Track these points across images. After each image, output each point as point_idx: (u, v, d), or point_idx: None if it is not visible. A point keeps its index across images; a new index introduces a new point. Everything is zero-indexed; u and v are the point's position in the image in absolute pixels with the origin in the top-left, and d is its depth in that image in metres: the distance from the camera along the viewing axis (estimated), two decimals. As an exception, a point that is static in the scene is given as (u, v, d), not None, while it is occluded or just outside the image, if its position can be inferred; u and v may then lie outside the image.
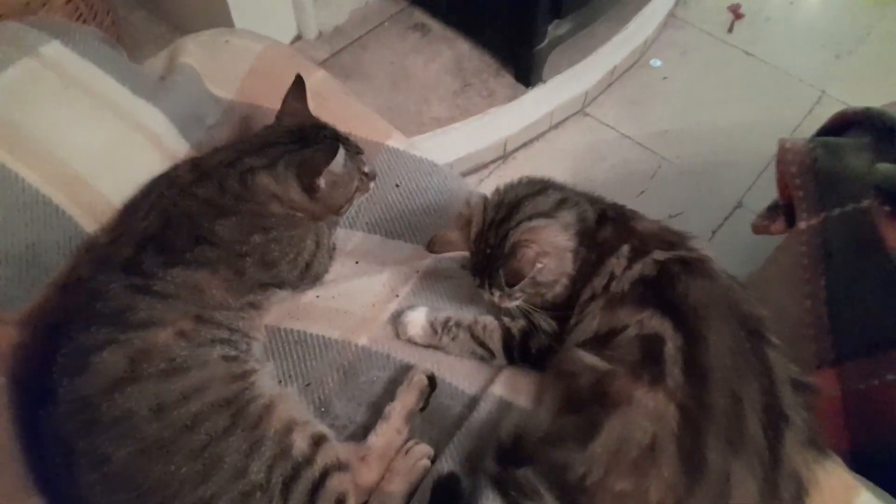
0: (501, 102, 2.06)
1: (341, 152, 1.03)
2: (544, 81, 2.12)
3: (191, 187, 1.01)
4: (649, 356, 0.85)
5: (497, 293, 1.00)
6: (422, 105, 2.05)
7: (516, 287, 0.96)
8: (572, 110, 2.25)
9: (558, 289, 1.00)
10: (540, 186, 1.04)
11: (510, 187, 1.05)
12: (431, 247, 1.06)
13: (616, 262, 0.95)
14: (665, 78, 2.41)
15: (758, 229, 1.58)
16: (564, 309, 1.00)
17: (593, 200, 1.05)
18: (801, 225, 1.35)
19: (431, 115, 2.03)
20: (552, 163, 2.18)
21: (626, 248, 0.96)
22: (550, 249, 0.95)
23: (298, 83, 1.12)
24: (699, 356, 0.84)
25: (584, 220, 1.00)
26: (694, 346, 0.85)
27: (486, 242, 1.00)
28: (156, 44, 2.06)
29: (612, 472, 0.81)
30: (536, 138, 2.21)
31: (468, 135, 2.03)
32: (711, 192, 2.12)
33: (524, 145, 2.19)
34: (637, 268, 0.93)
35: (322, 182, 1.03)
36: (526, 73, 2.07)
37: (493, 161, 2.14)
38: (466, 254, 1.04)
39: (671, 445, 0.80)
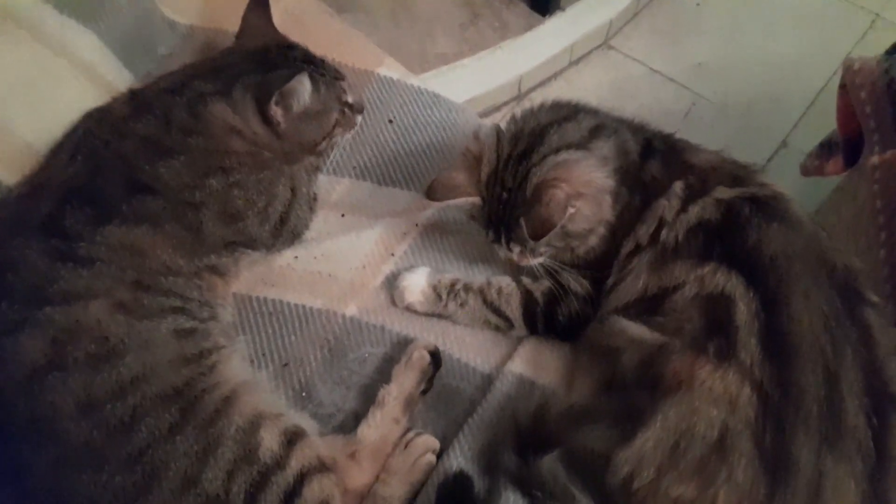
0: (515, 35, 1.93)
1: (303, 76, 0.87)
2: (563, 10, 1.99)
3: (127, 122, 0.84)
4: (715, 324, 0.72)
5: (516, 249, 0.84)
6: (425, 40, 1.91)
7: (542, 240, 0.79)
8: (595, 43, 2.10)
9: (593, 240, 0.84)
10: (568, 111, 0.87)
11: (530, 113, 0.88)
12: (431, 193, 0.88)
13: (666, 205, 0.80)
14: (698, 4, 2.25)
15: (808, 171, 1.48)
16: (600, 267, 0.84)
17: (635, 129, 0.88)
18: (874, 160, 1.21)
19: (436, 52, 1.89)
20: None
21: (678, 187, 0.80)
22: (585, 190, 0.79)
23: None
24: (782, 324, 0.70)
25: (624, 152, 0.83)
26: (774, 311, 0.71)
27: (501, 185, 0.83)
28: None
29: (666, 473, 0.68)
30: (555, 76, 2.05)
31: (478, 73, 1.88)
32: (752, 131, 1.98)
33: (541, 84, 2.02)
34: (694, 210, 0.78)
35: (278, 111, 0.87)
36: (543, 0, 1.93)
37: (507, 102, 1.97)
38: (476, 200, 0.87)
39: (747, 441, 0.67)
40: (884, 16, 2.17)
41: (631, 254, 0.81)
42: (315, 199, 0.98)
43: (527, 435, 0.77)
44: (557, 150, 0.81)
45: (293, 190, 0.92)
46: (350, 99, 0.96)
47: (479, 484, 0.77)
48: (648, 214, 0.81)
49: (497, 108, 1.98)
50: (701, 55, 2.12)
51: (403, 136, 1.06)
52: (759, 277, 0.73)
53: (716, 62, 2.11)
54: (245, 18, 0.97)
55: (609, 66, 2.10)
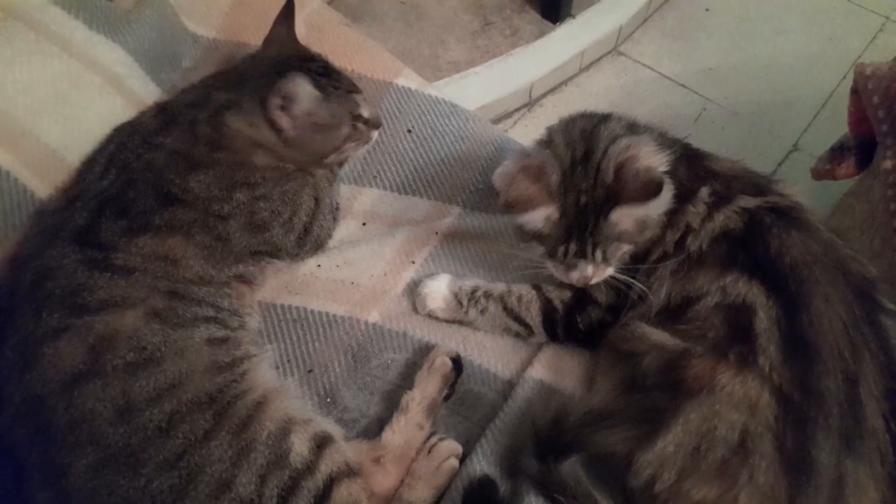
0: (526, 42, 1.90)
1: (296, 75, 0.84)
2: (573, 17, 1.96)
3: (156, 136, 0.85)
4: (736, 331, 0.72)
5: (600, 257, 0.81)
6: (437, 48, 1.90)
7: (623, 226, 0.79)
8: (605, 49, 2.09)
9: (647, 234, 0.82)
10: (602, 115, 0.88)
11: (568, 122, 0.87)
12: (513, 207, 0.81)
13: (693, 211, 0.79)
14: (708, 10, 2.23)
15: (820, 174, 1.47)
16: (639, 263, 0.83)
17: (658, 134, 0.87)
18: (887, 164, 1.20)
19: (448, 59, 1.88)
20: (583, 109, 1.99)
21: (705, 192, 0.80)
22: (656, 164, 0.78)
23: (288, 6, 0.97)
24: (802, 330, 0.70)
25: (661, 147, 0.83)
26: (794, 318, 0.71)
27: (576, 190, 0.80)
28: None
29: (688, 476, 0.68)
30: (566, 82, 2.05)
31: (490, 80, 1.87)
32: (763, 135, 1.96)
33: (552, 90, 2.03)
34: (719, 219, 0.78)
35: (283, 117, 0.86)
36: (553, 7, 1.92)
37: (518, 109, 1.98)
38: (551, 211, 0.82)
39: (767, 443, 0.67)
40: (894, 18, 2.14)
41: (657, 260, 0.81)
42: (338, 208, 0.99)
43: (546, 439, 0.77)
44: (615, 140, 0.81)
45: (317, 200, 0.93)
46: (366, 113, 0.94)
47: (503, 487, 0.77)
48: (676, 219, 0.80)
49: (509, 115, 1.98)
50: (711, 60, 2.10)
51: (422, 146, 1.06)
52: (779, 285, 0.73)
53: (726, 67, 2.09)
54: (273, 29, 0.97)
55: (619, 72, 2.08)
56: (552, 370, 0.86)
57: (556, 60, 1.97)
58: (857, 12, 2.19)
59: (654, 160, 0.78)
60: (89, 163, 0.87)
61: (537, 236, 0.83)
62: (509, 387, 0.86)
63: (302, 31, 1.12)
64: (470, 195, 1.01)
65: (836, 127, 1.31)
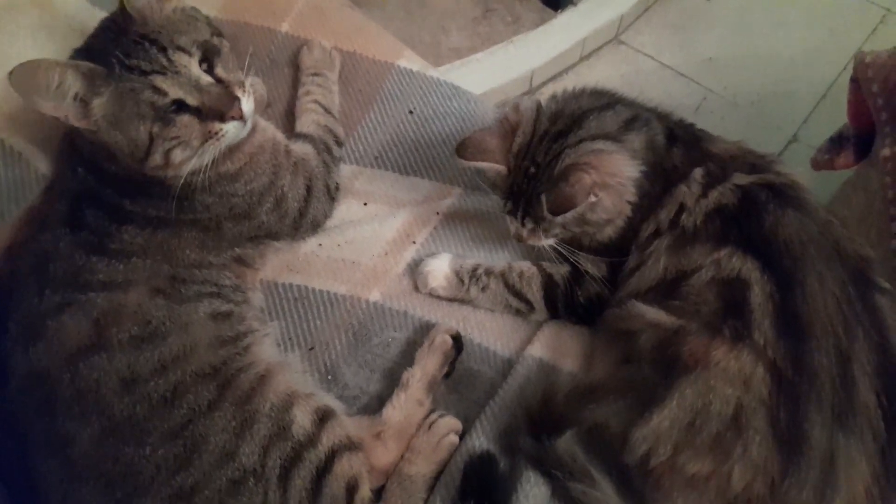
0: (527, 30, 1.91)
1: (38, 63, 0.70)
2: (575, 4, 1.97)
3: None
4: (730, 306, 0.72)
5: (529, 225, 0.84)
6: (439, 34, 1.90)
7: (559, 219, 0.80)
8: (606, 38, 2.07)
9: (609, 231, 0.84)
10: (607, 100, 0.86)
11: (572, 96, 0.87)
12: (462, 151, 0.85)
13: (687, 191, 0.80)
14: (709, 0, 2.22)
15: (819, 164, 1.46)
16: (614, 254, 0.84)
17: (660, 116, 0.88)
18: (885, 152, 1.20)
19: (450, 46, 1.88)
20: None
21: (699, 173, 0.80)
22: (612, 182, 0.79)
23: None
24: (795, 305, 0.71)
25: (653, 146, 0.83)
26: (788, 293, 0.71)
27: (531, 159, 0.82)
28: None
29: (683, 450, 0.69)
30: (566, 70, 2.02)
31: (490, 67, 1.87)
32: (762, 125, 1.96)
33: (553, 78, 2.00)
34: (713, 196, 0.79)
35: (66, 116, 0.73)
36: None
37: (519, 96, 1.96)
38: (500, 169, 0.85)
39: (761, 418, 0.67)
40: (895, 10, 2.13)
41: (651, 237, 0.81)
42: (337, 188, 0.98)
43: (538, 417, 0.78)
44: (594, 138, 0.81)
45: (308, 185, 0.92)
46: (192, 101, 0.75)
47: (502, 463, 0.78)
48: (669, 199, 0.81)
49: (509, 102, 1.99)
50: (711, 50, 2.09)
51: (423, 127, 1.06)
52: (773, 260, 0.73)
53: (726, 57, 2.08)
54: None
55: (620, 61, 2.07)
56: (551, 349, 0.86)
57: (557, 48, 1.95)
58: (857, 4, 2.18)
59: (619, 170, 0.79)
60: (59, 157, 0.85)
61: (491, 184, 0.88)
62: (508, 365, 0.87)
63: (303, 11, 1.12)
64: (471, 176, 1.01)
65: (836, 118, 1.31)
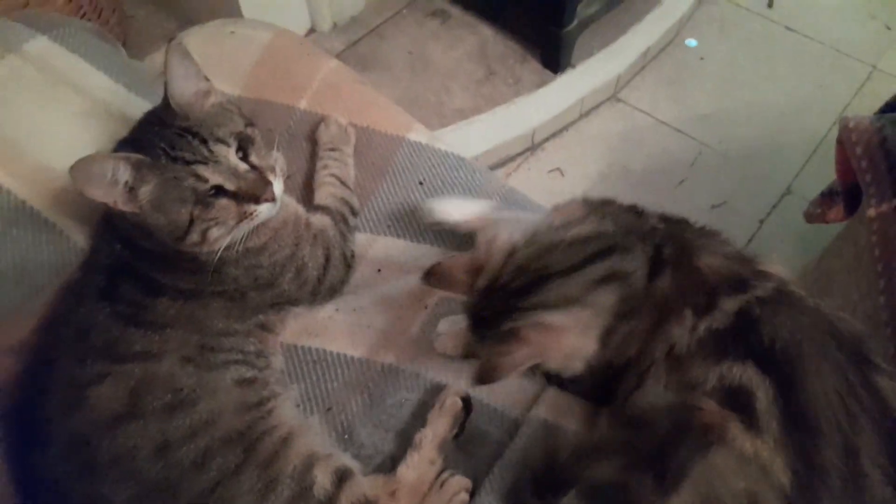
0: (528, 90, 1.98)
1: (94, 158, 0.77)
2: (573, 66, 2.04)
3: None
4: (738, 408, 0.71)
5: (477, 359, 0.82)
6: (443, 96, 1.97)
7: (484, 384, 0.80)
8: (604, 96, 2.15)
9: (578, 366, 0.81)
10: (591, 252, 0.80)
11: (546, 249, 0.81)
12: (429, 279, 0.85)
13: (679, 333, 0.78)
14: (702, 58, 2.28)
15: (811, 217, 1.50)
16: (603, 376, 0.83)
17: (650, 232, 0.85)
18: (871, 212, 1.23)
19: (454, 107, 1.95)
20: (584, 153, 2.06)
21: (689, 314, 0.78)
22: (552, 356, 0.78)
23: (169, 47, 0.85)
24: (799, 409, 0.71)
25: (628, 297, 0.79)
26: (790, 398, 0.71)
27: (488, 304, 0.80)
28: (164, 42, 1.98)
29: None
30: (566, 127, 2.10)
31: (493, 126, 1.94)
32: (757, 178, 2.00)
33: (553, 135, 2.08)
34: (703, 326, 0.77)
35: (114, 202, 0.79)
36: (554, 57, 1.98)
37: (521, 153, 2.04)
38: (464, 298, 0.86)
39: None
40: (880, 67, 2.21)
41: (649, 365, 0.79)
42: (353, 256, 1.04)
43: (542, 477, 0.80)
44: (548, 307, 0.77)
45: (326, 256, 0.97)
46: (230, 186, 0.82)
47: None
48: (662, 335, 0.78)
49: (512, 159, 2.02)
50: (705, 106, 2.15)
51: (433, 196, 1.11)
52: (773, 367, 0.73)
53: (720, 113, 2.13)
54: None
55: (618, 118, 2.13)
56: (556, 409, 0.90)
57: (556, 107, 2.02)
58: (844, 61, 2.25)
59: (564, 343, 0.76)
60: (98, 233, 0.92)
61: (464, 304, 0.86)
62: (516, 425, 0.90)
63: (319, 88, 1.20)
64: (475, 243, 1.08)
65: (827, 171, 1.34)
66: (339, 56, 1.99)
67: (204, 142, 0.81)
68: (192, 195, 0.80)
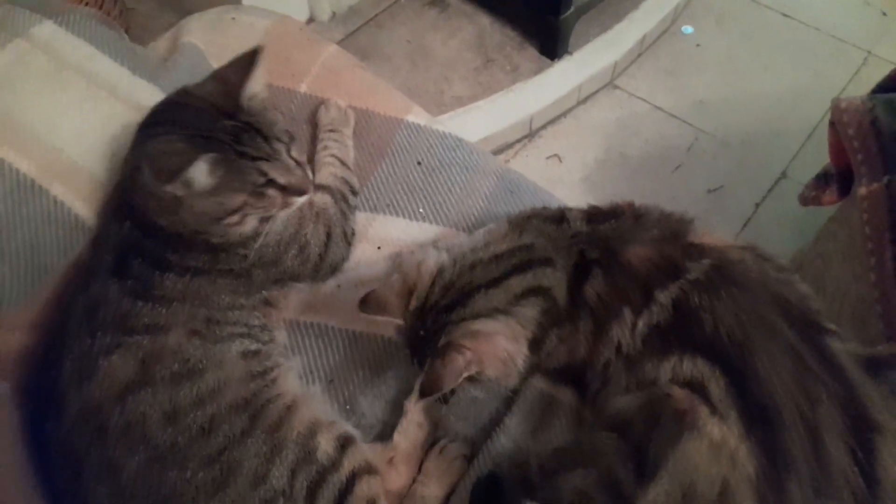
0: (526, 77, 2.00)
1: (200, 162, 0.80)
2: (571, 53, 2.06)
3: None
4: (699, 397, 0.72)
5: None
6: (442, 84, 1.99)
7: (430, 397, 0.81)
8: (601, 83, 2.17)
9: (511, 379, 0.84)
10: (510, 265, 0.84)
11: (467, 268, 0.85)
12: (364, 307, 0.87)
13: (620, 332, 0.79)
14: (698, 45, 2.31)
15: (806, 201, 1.50)
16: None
17: (573, 238, 0.86)
18: (862, 191, 1.25)
19: (453, 95, 1.97)
20: (581, 140, 2.09)
21: (627, 313, 0.79)
22: (489, 360, 0.79)
23: (252, 54, 0.90)
24: (754, 395, 0.71)
25: (550, 309, 0.82)
26: (744, 385, 0.71)
27: (422, 322, 0.84)
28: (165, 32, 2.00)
29: None
30: (564, 114, 2.13)
31: (492, 113, 1.96)
32: (752, 163, 2.02)
33: (551, 122, 2.10)
34: (642, 321, 0.78)
35: (177, 187, 0.82)
36: (551, 44, 2.01)
37: (519, 140, 2.06)
38: (399, 322, 0.88)
39: (749, 501, 0.68)
40: (876, 53, 2.23)
41: (606, 365, 0.80)
42: (353, 234, 1.06)
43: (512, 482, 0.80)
44: (476, 317, 0.80)
45: (328, 234, 1.00)
46: (281, 180, 0.87)
47: (508, 483, 0.82)
48: (606, 338, 0.79)
49: (510, 146, 2.04)
50: (702, 92, 2.17)
51: (430, 176, 1.14)
52: (721, 356, 0.73)
53: (716, 99, 2.15)
54: (224, 67, 0.91)
55: (615, 105, 2.15)
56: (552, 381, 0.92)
57: (554, 94, 2.04)
58: (840, 47, 2.27)
59: (496, 348, 0.79)
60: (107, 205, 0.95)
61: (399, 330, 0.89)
62: (513, 395, 0.92)
63: (319, 72, 1.22)
64: (475, 221, 1.10)
65: (822, 156, 1.35)
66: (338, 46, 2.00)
67: (266, 139, 0.86)
68: (249, 186, 0.85)
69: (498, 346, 0.79)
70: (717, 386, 0.71)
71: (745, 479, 0.68)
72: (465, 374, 0.78)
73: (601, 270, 0.82)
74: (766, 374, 0.71)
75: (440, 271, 0.85)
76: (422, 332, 0.83)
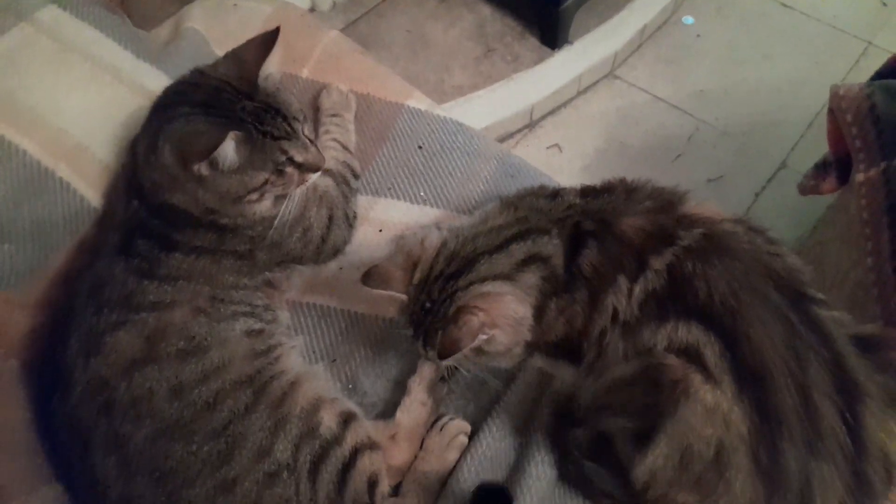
0: (527, 67, 1.99)
1: (229, 141, 0.82)
2: (571, 43, 2.05)
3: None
4: (694, 363, 0.74)
5: (431, 352, 0.86)
6: (443, 73, 1.98)
7: (448, 358, 0.82)
8: (601, 73, 2.16)
9: (516, 352, 0.86)
10: (504, 238, 0.86)
11: (471, 237, 0.87)
12: (367, 280, 0.88)
13: (616, 299, 0.80)
14: (699, 36, 2.30)
15: (805, 190, 1.51)
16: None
17: (567, 211, 0.88)
18: (860, 177, 1.26)
19: (453, 84, 1.96)
20: (581, 130, 2.09)
21: (622, 280, 0.80)
22: (501, 321, 0.81)
23: (270, 35, 0.92)
24: (746, 361, 0.73)
25: (550, 277, 0.83)
26: (737, 349, 0.74)
27: (427, 294, 0.85)
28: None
29: (674, 485, 0.74)
30: (564, 104, 2.12)
31: (492, 103, 1.95)
32: (753, 153, 2.03)
33: (552, 112, 2.10)
34: (639, 288, 0.79)
35: (202, 166, 0.84)
36: (552, 34, 1.99)
37: (520, 130, 2.06)
38: (402, 297, 0.88)
39: (742, 455, 0.71)
40: (875, 43, 2.22)
41: (602, 334, 0.81)
42: (355, 217, 1.07)
43: (563, 409, 0.85)
44: (484, 280, 0.82)
45: (330, 216, 1.01)
46: (299, 158, 0.90)
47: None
48: (601, 306, 0.81)
49: (511, 135, 2.04)
50: (702, 83, 2.16)
51: (431, 160, 1.15)
52: (715, 322, 0.74)
53: (716, 89, 2.15)
54: (244, 48, 0.92)
55: (615, 95, 2.15)
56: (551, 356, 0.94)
57: (554, 84, 2.04)
58: (841, 37, 2.26)
59: (508, 310, 0.80)
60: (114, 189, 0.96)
61: (400, 309, 0.90)
62: (512, 375, 0.94)
63: (321, 58, 1.23)
64: (475, 204, 1.11)
65: (822, 145, 1.36)
66: (339, 35, 2.01)
67: (285, 119, 0.89)
68: (272, 165, 0.87)
69: (508, 306, 0.80)
70: (712, 351, 0.73)
71: (739, 437, 0.71)
72: (481, 336, 0.79)
73: (596, 242, 0.83)
74: (757, 339, 0.73)
75: (443, 244, 0.87)
76: (427, 305, 0.84)
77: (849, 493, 0.71)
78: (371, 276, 0.88)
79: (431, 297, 0.84)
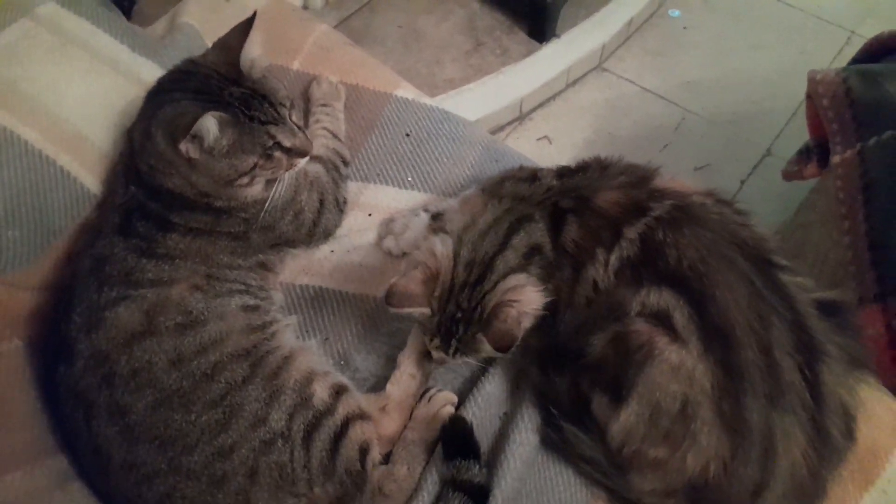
0: (516, 61, 2.03)
1: (207, 118, 0.85)
2: (559, 36, 2.09)
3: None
4: (663, 326, 0.79)
5: (461, 358, 0.90)
6: (434, 67, 2.02)
7: (510, 350, 0.85)
8: (590, 66, 2.20)
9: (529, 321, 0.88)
10: (505, 236, 0.89)
11: (478, 240, 0.89)
12: (391, 299, 0.87)
13: (595, 271, 0.85)
14: (685, 28, 2.35)
15: (789, 175, 1.55)
16: None
17: (546, 192, 0.92)
18: (836, 159, 1.30)
19: (444, 77, 2.00)
20: (571, 121, 2.13)
21: (600, 252, 0.85)
22: (529, 309, 0.84)
23: (248, 20, 0.96)
24: (713, 321, 0.78)
25: (546, 264, 0.88)
26: (704, 311, 0.78)
27: (456, 304, 0.87)
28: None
29: (645, 440, 0.79)
30: (553, 97, 2.16)
31: (482, 95, 1.99)
32: (738, 141, 2.07)
33: (541, 105, 2.14)
34: (614, 257, 0.84)
35: (189, 147, 0.88)
36: (540, 27, 2.03)
37: (510, 122, 2.10)
38: (426, 311, 0.89)
39: (707, 409, 0.76)
40: (859, 32, 2.26)
41: (587, 301, 0.86)
42: (345, 202, 1.11)
43: (546, 354, 0.89)
44: (505, 276, 0.86)
45: (321, 200, 1.05)
46: (287, 143, 0.93)
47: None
48: (583, 279, 0.85)
49: (501, 128, 2.07)
50: (689, 74, 2.21)
51: (419, 147, 1.19)
52: (684, 287, 0.79)
53: (704, 80, 2.19)
54: (227, 36, 0.96)
55: (603, 87, 2.19)
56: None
57: (543, 77, 2.08)
58: (825, 27, 2.31)
59: (533, 296, 0.84)
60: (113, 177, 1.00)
61: (419, 322, 0.93)
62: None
63: (311, 50, 1.27)
64: (461, 188, 1.14)
65: (805, 133, 1.40)
66: (332, 31, 2.04)
67: (272, 105, 0.92)
68: (259, 148, 0.91)
69: (531, 295, 0.84)
70: (681, 314, 0.78)
71: (703, 392, 0.75)
72: (525, 325, 0.83)
73: (575, 217, 0.87)
74: (723, 300, 0.78)
75: (455, 255, 0.88)
76: (458, 315, 0.86)
77: (810, 443, 0.76)
78: (393, 295, 0.87)
79: (461, 306, 0.86)
